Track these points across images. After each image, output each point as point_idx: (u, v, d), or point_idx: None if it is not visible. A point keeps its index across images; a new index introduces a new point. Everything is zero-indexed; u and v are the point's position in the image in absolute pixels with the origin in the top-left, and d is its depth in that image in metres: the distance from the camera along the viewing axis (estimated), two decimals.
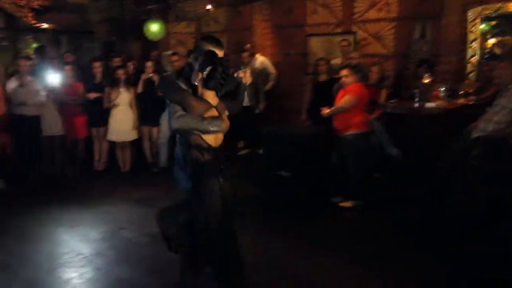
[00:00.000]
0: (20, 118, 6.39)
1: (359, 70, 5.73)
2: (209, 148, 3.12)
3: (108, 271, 4.05)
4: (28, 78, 6.46)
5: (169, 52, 8.74)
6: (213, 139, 3.13)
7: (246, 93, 7.70)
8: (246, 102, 7.88)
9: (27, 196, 6.09)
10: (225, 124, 3.13)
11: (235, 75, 3.67)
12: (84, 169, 7.17)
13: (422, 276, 3.87)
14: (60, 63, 7.30)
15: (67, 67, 6.99)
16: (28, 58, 6.92)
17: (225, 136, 3.31)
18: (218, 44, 3.23)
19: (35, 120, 6.56)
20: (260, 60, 8.47)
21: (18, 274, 3.98)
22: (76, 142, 7.12)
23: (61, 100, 6.81)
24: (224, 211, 3.21)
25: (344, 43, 7.48)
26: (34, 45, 10.76)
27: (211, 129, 3.05)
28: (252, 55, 8.53)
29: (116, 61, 7.55)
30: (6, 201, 5.96)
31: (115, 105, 6.88)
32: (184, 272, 3.39)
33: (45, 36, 11.41)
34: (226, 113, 3.22)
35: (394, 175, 6.25)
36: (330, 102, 5.67)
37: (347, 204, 5.50)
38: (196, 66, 3.10)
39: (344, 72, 5.48)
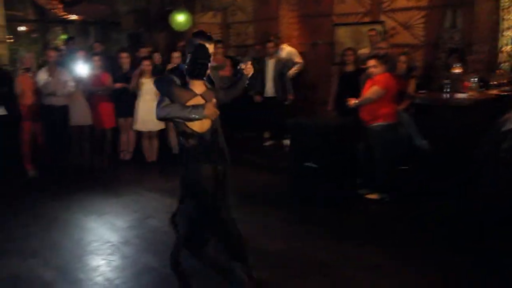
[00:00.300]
0: (49, 108, 6.51)
1: (387, 61, 5.62)
2: (193, 134, 3.27)
3: (135, 259, 4.10)
4: (57, 69, 6.56)
5: None
6: (198, 126, 3.27)
7: (272, 84, 7.71)
8: (271, 93, 7.85)
9: (56, 184, 6.23)
10: (208, 111, 3.22)
11: (238, 67, 3.99)
12: (111, 159, 7.27)
13: (443, 270, 3.80)
14: (88, 54, 7.39)
15: (95, 58, 7.08)
16: (57, 49, 7.05)
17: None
18: (208, 38, 3.40)
19: (64, 110, 6.67)
20: (287, 50, 8.40)
21: (48, 260, 4.07)
22: (104, 132, 7.21)
23: (89, 91, 6.91)
24: (211, 193, 3.36)
25: (372, 32, 7.35)
26: (63, 36, 10.94)
27: (192, 116, 3.19)
28: (278, 45, 8.47)
29: (143, 51, 7.60)
30: (36, 189, 6.11)
31: (138, 87, 6.90)
32: (176, 253, 3.53)
33: (73, 28, 11.59)
34: (214, 100, 3.32)
35: (422, 168, 6.13)
36: (356, 93, 5.59)
37: (374, 196, 5.43)
38: (188, 59, 3.29)
39: (371, 62, 5.39)
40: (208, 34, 3.48)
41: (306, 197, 5.37)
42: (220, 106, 3.38)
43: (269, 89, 7.87)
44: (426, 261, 3.95)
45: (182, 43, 9.00)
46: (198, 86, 3.31)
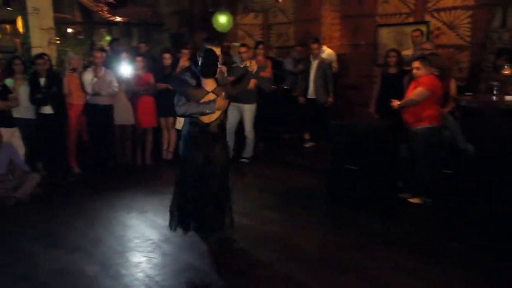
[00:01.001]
0: (94, 107, 6.69)
1: (431, 62, 5.46)
2: (200, 123, 4.00)
3: (175, 257, 4.15)
4: (103, 69, 6.73)
5: (238, 43, 8.80)
6: (206, 117, 4.00)
7: (313, 85, 7.71)
8: (312, 94, 7.80)
9: (100, 182, 6.38)
10: (219, 104, 3.94)
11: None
12: (153, 157, 7.39)
13: (487, 276, 3.69)
14: (131, 55, 7.55)
15: (138, 59, 7.21)
16: (102, 50, 7.21)
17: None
18: (215, 42, 4.00)
19: (108, 110, 6.83)
20: (327, 52, 8.34)
21: (92, 255, 4.17)
22: (145, 131, 7.34)
23: (132, 91, 7.05)
24: (199, 175, 4.06)
25: (416, 33, 7.17)
26: (108, 38, 11.21)
27: (206, 111, 3.92)
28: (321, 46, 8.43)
29: (185, 52, 7.68)
30: (80, 186, 6.29)
31: None
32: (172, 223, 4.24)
33: (117, 29, 11.87)
34: (223, 94, 3.98)
35: (467, 172, 5.95)
36: (399, 95, 5.48)
37: (416, 200, 5.31)
38: (200, 61, 3.95)
39: (415, 64, 5.27)
40: (215, 38, 4.20)
41: (346, 200, 5.30)
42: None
43: (311, 90, 7.82)
44: (468, 268, 3.83)
45: (225, 44, 9.08)
46: (209, 84, 3.99)
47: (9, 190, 5.55)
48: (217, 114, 4.02)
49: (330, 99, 7.77)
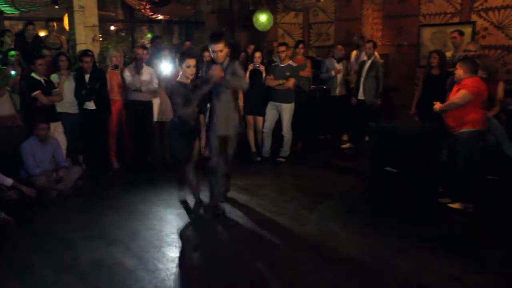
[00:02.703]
0: (134, 103, 6.80)
1: (476, 64, 5.28)
2: (182, 117, 4.95)
3: (212, 253, 4.18)
4: (144, 66, 6.84)
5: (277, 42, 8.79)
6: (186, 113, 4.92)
7: (362, 85, 7.70)
8: (361, 95, 7.68)
9: (138, 177, 6.49)
10: (213, 72, 4.62)
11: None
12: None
13: None
14: (173, 52, 7.63)
15: (179, 57, 7.27)
16: (144, 47, 7.33)
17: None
18: (211, 39, 4.73)
19: (148, 106, 6.93)
20: None
21: (129, 248, 4.25)
22: None
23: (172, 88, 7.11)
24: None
25: (454, 34, 6.95)
26: (149, 35, 11.39)
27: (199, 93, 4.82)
28: (359, 47, 8.32)
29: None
30: (119, 181, 6.42)
31: None
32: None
33: (158, 27, 12.04)
34: (218, 67, 4.67)
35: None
36: (441, 97, 5.33)
37: (457, 205, 5.16)
38: None
39: (457, 66, 5.12)
40: (212, 35, 4.82)
41: (384, 202, 5.20)
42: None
43: (361, 91, 7.70)
44: (509, 277, 3.70)
45: (268, 43, 9.09)
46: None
47: (51, 183, 5.71)
48: (193, 109, 4.98)
49: (378, 102, 7.62)
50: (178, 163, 5.23)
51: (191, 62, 4.89)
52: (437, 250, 4.16)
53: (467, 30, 7.33)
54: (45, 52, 7.09)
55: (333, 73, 8.16)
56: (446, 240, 4.42)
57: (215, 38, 4.72)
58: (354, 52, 8.55)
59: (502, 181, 5.84)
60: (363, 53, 8.08)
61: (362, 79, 7.63)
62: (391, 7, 8.86)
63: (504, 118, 5.90)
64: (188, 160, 5.13)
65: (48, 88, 6.21)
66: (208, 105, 4.98)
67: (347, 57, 8.53)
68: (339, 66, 8.22)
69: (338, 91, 8.28)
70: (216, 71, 4.60)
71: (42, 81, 6.16)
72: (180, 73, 5.03)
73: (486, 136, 5.45)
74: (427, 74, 6.65)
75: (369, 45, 7.63)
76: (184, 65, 4.90)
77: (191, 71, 4.90)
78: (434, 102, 5.27)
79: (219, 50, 4.71)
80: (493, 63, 6.40)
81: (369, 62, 7.59)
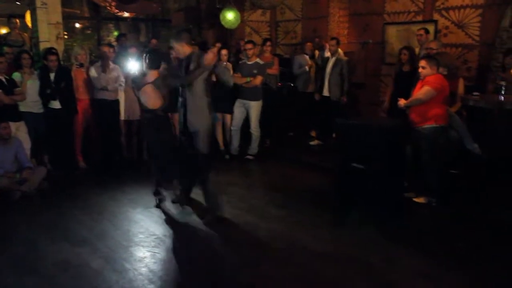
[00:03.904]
0: (101, 102, 6.70)
1: (438, 61, 5.42)
2: (149, 110, 5.05)
3: (179, 252, 4.17)
4: (110, 64, 6.74)
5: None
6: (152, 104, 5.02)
7: (327, 82, 7.78)
8: (326, 92, 7.77)
9: (106, 177, 6.40)
10: (207, 56, 4.60)
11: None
12: None
13: (492, 277, 3.68)
14: (138, 50, 7.55)
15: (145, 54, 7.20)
16: (110, 45, 7.23)
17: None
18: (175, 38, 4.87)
19: (115, 105, 6.85)
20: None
21: (96, 249, 4.20)
22: None
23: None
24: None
25: (420, 32, 7.11)
26: (115, 33, 11.24)
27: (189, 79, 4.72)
28: (321, 47, 8.46)
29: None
30: (86, 181, 6.32)
31: None
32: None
33: (125, 25, 11.89)
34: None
35: (473, 172, 5.92)
36: (411, 94, 5.45)
37: (421, 200, 5.29)
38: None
39: (421, 63, 5.25)
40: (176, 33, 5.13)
41: (351, 198, 5.28)
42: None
43: (326, 87, 7.78)
44: (473, 269, 3.81)
45: (235, 41, 9.08)
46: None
47: (15, 184, 5.58)
48: (160, 102, 5.02)
49: (344, 98, 7.72)
50: (158, 159, 5.20)
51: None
52: (405, 245, 4.24)
53: (430, 28, 7.50)
54: (7, 49, 6.91)
55: (306, 68, 8.22)
56: (413, 235, 4.52)
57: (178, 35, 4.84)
58: (317, 52, 8.65)
59: (464, 175, 6.00)
60: (326, 50, 8.21)
61: (328, 75, 7.72)
62: (357, 5, 8.99)
63: (465, 114, 6.06)
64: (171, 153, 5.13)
65: (10, 87, 6.05)
66: (180, 99, 4.84)
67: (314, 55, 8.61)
68: (311, 62, 8.29)
69: (310, 87, 8.34)
70: (210, 55, 4.60)
71: (3, 79, 6.00)
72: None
73: (448, 131, 5.60)
74: (398, 71, 6.77)
75: (333, 42, 7.73)
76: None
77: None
78: (399, 99, 5.39)
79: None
80: (453, 61, 6.58)
81: (333, 59, 7.69)
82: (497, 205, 5.15)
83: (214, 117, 5.79)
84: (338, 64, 7.63)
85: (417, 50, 7.14)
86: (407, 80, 6.26)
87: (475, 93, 6.06)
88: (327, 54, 8.01)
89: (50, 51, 6.44)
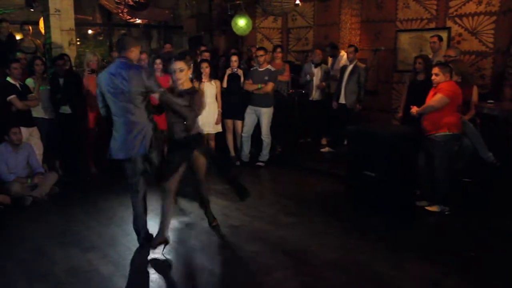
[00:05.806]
0: None
1: (451, 69, 5.35)
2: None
3: (189, 258, 4.15)
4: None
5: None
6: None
7: (343, 89, 7.67)
8: (342, 99, 7.69)
9: (116, 183, 6.36)
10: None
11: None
12: None
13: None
14: (150, 57, 7.59)
15: (157, 61, 7.22)
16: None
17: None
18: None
19: None
20: (345, 58, 8.25)
21: (106, 255, 4.19)
22: (163, 133, 7.31)
23: None
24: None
25: (434, 39, 7.05)
26: None
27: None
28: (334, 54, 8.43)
29: (206, 55, 7.71)
30: (97, 187, 6.33)
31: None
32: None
33: (137, 31, 11.97)
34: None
35: (487, 181, 5.84)
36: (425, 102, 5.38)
37: (434, 208, 5.22)
38: None
39: (434, 70, 5.19)
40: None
41: (363, 206, 5.24)
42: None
43: (342, 95, 7.71)
44: (486, 279, 3.74)
45: (246, 47, 9.08)
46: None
47: (26, 189, 5.60)
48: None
49: (358, 106, 7.64)
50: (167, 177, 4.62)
51: (180, 64, 4.26)
52: (416, 254, 4.18)
53: (443, 35, 7.43)
54: (20, 55, 6.97)
55: (308, 77, 8.17)
56: (425, 243, 4.46)
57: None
58: (329, 59, 8.61)
59: (477, 183, 5.92)
60: (338, 59, 8.16)
61: (344, 83, 7.64)
62: (369, 12, 8.95)
63: (479, 122, 5.98)
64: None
65: (24, 92, 6.09)
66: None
67: (326, 62, 8.57)
68: (315, 70, 8.23)
69: (314, 95, 8.27)
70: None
71: (18, 85, 6.05)
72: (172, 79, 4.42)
73: (461, 139, 5.53)
74: (412, 79, 6.69)
75: (351, 49, 7.64)
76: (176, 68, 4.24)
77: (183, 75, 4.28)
78: (411, 106, 5.34)
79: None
80: (467, 68, 6.50)
81: (351, 66, 7.61)
82: (510, 214, 5.06)
83: None
84: (355, 71, 7.55)
85: (430, 57, 7.08)
86: (421, 89, 6.18)
87: (489, 101, 5.98)
88: (343, 62, 7.95)
89: (59, 56, 6.50)
